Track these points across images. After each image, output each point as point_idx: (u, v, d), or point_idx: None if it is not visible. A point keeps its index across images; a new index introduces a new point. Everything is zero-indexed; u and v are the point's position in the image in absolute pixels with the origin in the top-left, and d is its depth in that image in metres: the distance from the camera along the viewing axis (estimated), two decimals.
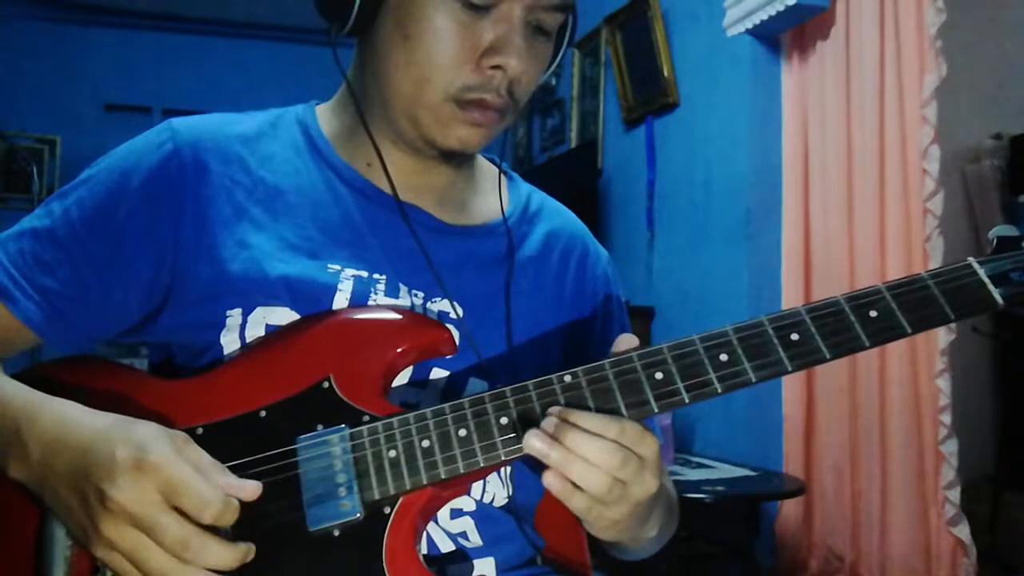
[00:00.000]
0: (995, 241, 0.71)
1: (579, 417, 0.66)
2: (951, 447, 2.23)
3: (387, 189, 0.85)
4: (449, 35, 0.76)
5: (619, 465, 0.65)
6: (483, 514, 0.82)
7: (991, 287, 0.68)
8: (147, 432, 0.64)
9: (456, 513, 0.81)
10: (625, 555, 0.88)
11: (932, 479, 2.28)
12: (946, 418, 2.24)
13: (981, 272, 0.69)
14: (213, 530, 0.63)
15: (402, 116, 0.81)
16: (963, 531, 2.22)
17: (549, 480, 0.65)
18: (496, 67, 0.77)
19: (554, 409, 0.67)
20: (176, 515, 0.61)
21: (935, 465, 2.27)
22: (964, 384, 2.55)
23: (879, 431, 2.40)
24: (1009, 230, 0.71)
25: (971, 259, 0.70)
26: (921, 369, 2.30)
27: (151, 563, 0.61)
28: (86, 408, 0.69)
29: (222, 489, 0.63)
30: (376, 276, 0.81)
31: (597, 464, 0.65)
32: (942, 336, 2.21)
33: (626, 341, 0.71)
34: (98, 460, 0.63)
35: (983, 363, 3.04)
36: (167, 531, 0.61)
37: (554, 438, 0.65)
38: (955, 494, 2.24)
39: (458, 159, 0.86)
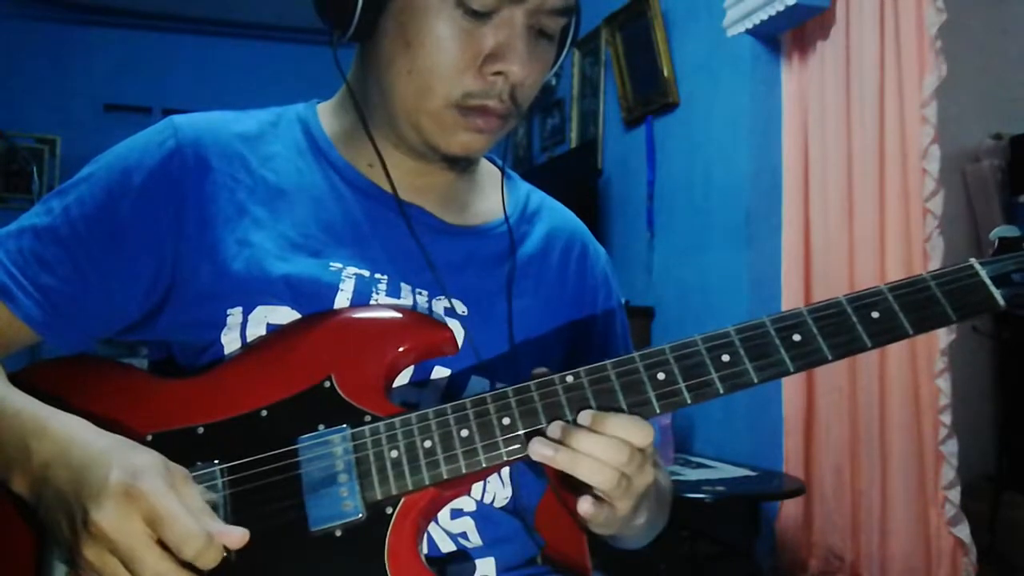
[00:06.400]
0: (996, 242, 0.71)
1: (580, 416, 0.67)
2: (951, 447, 2.23)
3: (389, 189, 0.85)
4: (450, 42, 0.75)
5: (626, 460, 0.66)
6: (483, 514, 0.82)
7: (992, 288, 0.68)
8: (145, 461, 0.64)
9: (456, 513, 0.81)
10: (616, 543, 0.88)
11: (932, 479, 2.27)
12: (946, 418, 2.24)
13: (983, 273, 0.69)
14: (193, 568, 0.61)
15: (405, 122, 0.81)
16: (963, 531, 2.22)
17: (584, 507, 0.67)
18: (498, 73, 0.76)
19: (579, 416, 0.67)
20: (158, 549, 0.60)
21: (935, 465, 2.26)
22: (964, 384, 2.55)
23: (879, 431, 2.39)
24: (1010, 231, 0.71)
25: (973, 260, 0.70)
26: (921, 369, 2.30)
27: None
28: (92, 427, 0.68)
29: (209, 531, 0.61)
30: (378, 275, 0.81)
31: (604, 460, 0.65)
32: (942, 336, 2.21)
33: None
34: (91, 481, 0.62)
35: (983, 363, 3.04)
36: (145, 564, 0.60)
37: (559, 442, 0.66)
38: (955, 494, 2.23)
39: (462, 164, 0.85)
